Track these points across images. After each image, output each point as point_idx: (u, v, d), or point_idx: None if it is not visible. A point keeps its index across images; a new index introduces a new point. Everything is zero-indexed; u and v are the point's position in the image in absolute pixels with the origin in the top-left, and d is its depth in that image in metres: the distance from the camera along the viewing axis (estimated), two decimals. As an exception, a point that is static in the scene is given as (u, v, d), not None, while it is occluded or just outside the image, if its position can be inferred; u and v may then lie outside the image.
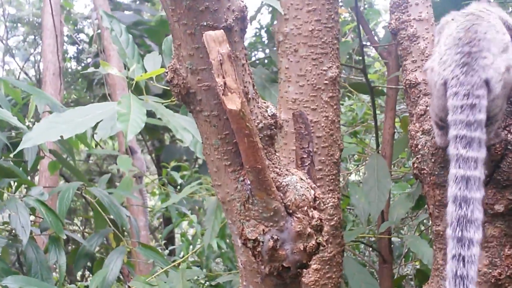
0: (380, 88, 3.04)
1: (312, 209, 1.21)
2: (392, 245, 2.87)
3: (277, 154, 1.20)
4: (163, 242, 4.24)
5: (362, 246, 3.77)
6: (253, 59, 4.11)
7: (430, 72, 1.52)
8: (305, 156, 1.27)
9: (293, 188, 1.19)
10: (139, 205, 3.85)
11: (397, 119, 3.14)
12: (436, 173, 1.62)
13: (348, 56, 3.58)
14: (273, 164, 1.18)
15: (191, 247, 3.33)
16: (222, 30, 1.07)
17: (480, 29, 1.48)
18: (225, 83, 1.06)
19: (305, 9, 1.69)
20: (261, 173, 1.11)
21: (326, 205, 1.75)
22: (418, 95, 1.70)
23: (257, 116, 1.15)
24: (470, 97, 1.41)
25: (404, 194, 2.61)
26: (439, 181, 1.62)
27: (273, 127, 1.18)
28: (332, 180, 1.79)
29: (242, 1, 1.15)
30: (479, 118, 1.40)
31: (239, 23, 1.14)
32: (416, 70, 1.70)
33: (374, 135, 3.02)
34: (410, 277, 3.83)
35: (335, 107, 1.75)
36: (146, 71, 1.71)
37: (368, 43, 3.09)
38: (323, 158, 1.75)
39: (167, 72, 1.18)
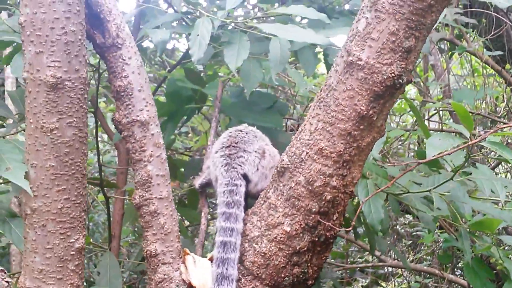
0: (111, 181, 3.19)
1: None
2: None
3: None
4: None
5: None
6: None
7: (210, 169, 2.02)
8: None
9: None
10: None
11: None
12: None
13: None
14: None
15: None
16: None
17: (241, 134, 1.99)
18: None
19: (55, 189, 1.77)
20: None
21: None
22: (157, 264, 1.91)
23: None
24: (230, 186, 1.87)
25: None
26: None
27: None
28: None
29: None
30: (236, 199, 1.85)
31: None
32: (156, 242, 1.91)
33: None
34: None
35: (80, 272, 1.87)
36: None
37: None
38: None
39: None
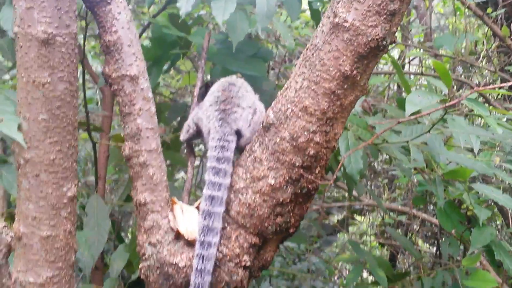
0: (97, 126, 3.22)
1: None
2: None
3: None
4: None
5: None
6: None
7: (202, 122, 2.04)
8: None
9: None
10: None
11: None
12: (160, 281, 1.97)
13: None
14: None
15: None
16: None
17: (234, 88, 2.02)
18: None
19: (47, 141, 1.81)
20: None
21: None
22: (146, 212, 2.00)
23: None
24: (222, 141, 1.93)
25: (121, 246, 2.92)
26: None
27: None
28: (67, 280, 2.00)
29: None
30: (226, 155, 1.92)
31: None
32: (145, 192, 1.99)
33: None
34: None
35: (72, 219, 1.95)
36: None
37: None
38: (60, 264, 1.95)
39: None
